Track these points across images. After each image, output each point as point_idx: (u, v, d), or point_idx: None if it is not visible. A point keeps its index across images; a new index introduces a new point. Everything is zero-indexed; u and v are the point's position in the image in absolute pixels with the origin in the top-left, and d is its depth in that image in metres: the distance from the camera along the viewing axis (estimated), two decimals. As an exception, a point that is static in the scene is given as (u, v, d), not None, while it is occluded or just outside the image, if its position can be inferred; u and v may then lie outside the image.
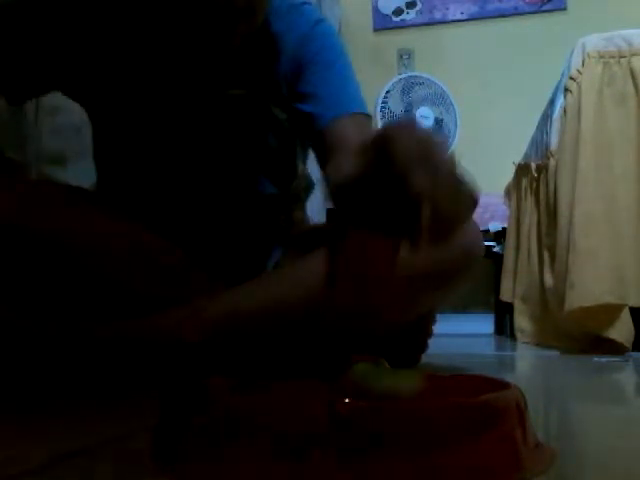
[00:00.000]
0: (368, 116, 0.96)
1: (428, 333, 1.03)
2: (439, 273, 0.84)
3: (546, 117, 1.94)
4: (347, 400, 0.34)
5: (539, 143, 2.03)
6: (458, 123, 2.86)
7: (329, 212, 0.53)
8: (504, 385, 0.41)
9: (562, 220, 1.56)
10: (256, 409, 0.35)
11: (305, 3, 0.98)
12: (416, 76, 2.90)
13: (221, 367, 0.79)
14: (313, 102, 0.93)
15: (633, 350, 1.41)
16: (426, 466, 0.31)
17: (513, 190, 2.30)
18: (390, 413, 0.33)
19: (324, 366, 0.68)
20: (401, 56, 3.15)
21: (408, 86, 2.85)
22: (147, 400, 0.70)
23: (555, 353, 1.50)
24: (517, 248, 2.13)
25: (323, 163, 0.93)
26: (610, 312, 1.41)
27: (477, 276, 0.94)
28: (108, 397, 0.72)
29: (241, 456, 0.33)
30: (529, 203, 2.05)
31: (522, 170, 2.20)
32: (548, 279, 1.75)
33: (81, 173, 1.90)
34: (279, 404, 0.35)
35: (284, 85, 0.95)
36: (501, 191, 2.58)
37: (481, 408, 0.35)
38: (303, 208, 1.15)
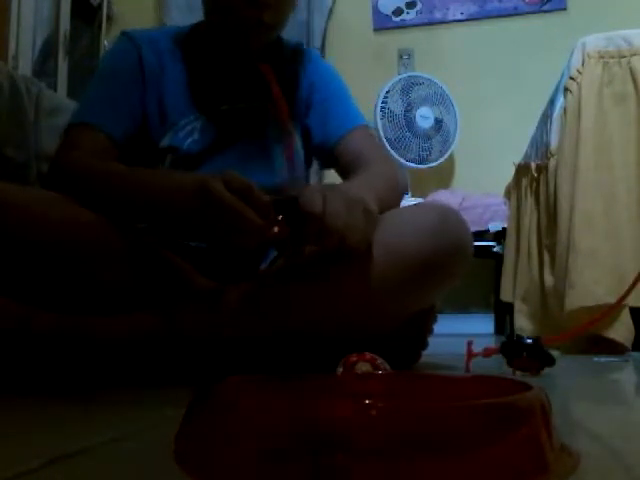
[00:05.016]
0: (368, 126, 1.13)
1: (428, 330, 1.04)
2: (430, 265, 0.86)
3: (546, 117, 1.94)
4: (369, 401, 0.34)
5: (539, 143, 2.03)
6: (458, 123, 2.86)
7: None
8: (526, 386, 0.40)
9: (562, 220, 1.56)
10: (274, 408, 0.35)
11: None
12: (416, 76, 2.90)
13: (231, 363, 0.80)
14: (333, 114, 1.09)
15: (633, 350, 1.41)
16: (450, 467, 0.31)
17: (513, 190, 2.30)
18: (413, 414, 0.33)
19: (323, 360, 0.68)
20: (401, 56, 3.15)
21: (408, 86, 2.85)
22: (148, 400, 0.70)
23: (555, 353, 1.49)
24: (517, 248, 2.13)
25: (342, 166, 1.07)
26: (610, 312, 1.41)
27: (473, 274, 0.95)
28: (109, 396, 0.72)
29: (262, 455, 0.32)
30: (529, 203, 2.05)
31: (522, 170, 2.20)
32: (548, 279, 1.75)
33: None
34: (299, 403, 0.35)
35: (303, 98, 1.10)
36: (501, 191, 2.58)
37: (506, 409, 0.34)
38: None
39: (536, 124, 2.14)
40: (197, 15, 1.07)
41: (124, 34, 1.05)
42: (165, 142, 0.99)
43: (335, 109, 1.09)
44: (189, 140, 1.00)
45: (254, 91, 1.07)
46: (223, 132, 1.03)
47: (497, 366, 1.00)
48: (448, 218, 0.90)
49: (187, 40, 1.07)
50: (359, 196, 0.78)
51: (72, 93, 2.82)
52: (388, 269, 0.85)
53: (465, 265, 0.92)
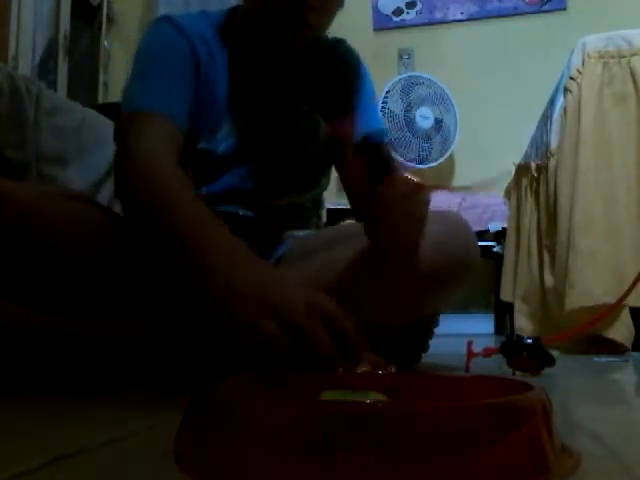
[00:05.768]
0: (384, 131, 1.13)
1: (429, 333, 1.04)
2: (436, 277, 0.86)
3: (546, 117, 1.94)
4: (369, 401, 0.33)
5: (539, 143, 2.03)
6: (458, 123, 2.86)
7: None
8: (527, 387, 0.40)
9: (562, 220, 1.56)
10: (274, 408, 0.34)
11: None
12: (416, 76, 2.90)
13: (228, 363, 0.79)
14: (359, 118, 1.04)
15: (633, 350, 1.41)
16: (451, 467, 0.31)
17: (513, 190, 2.30)
18: (413, 414, 0.33)
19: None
20: (401, 56, 3.15)
21: (408, 86, 2.85)
22: (148, 400, 0.70)
23: (555, 353, 1.49)
24: (517, 248, 2.13)
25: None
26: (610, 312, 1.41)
27: (476, 277, 0.95)
28: (109, 396, 0.72)
29: (263, 455, 0.32)
30: (529, 203, 2.05)
31: (522, 170, 2.20)
32: (548, 279, 1.75)
33: (81, 173, 1.90)
34: (299, 403, 0.35)
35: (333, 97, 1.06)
36: (501, 191, 2.58)
37: (506, 409, 0.34)
38: (319, 214, 1.16)
39: (536, 124, 2.14)
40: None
41: (166, 19, 0.97)
42: (202, 144, 0.96)
43: (370, 107, 1.09)
44: (223, 145, 0.97)
45: (293, 93, 1.03)
46: (260, 136, 1.00)
47: (497, 366, 1.00)
48: (457, 230, 0.90)
49: (228, 37, 1.00)
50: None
51: (72, 93, 2.82)
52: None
53: (470, 273, 0.92)
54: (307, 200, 1.08)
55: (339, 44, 1.09)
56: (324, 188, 1.12)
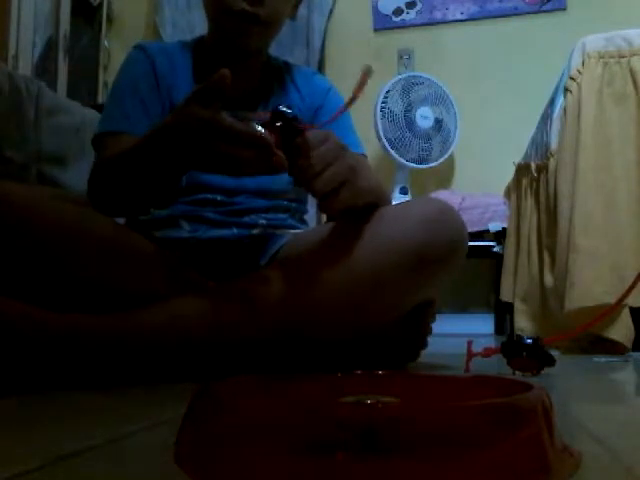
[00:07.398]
0: (365, 156, 1.14)
1: (427, 330, 1.04)
2: (423, 259, 0.87)
3: (546, 117, 1.94)
4: (370, 401, 0.33)
5: (539, 143, 2.03)
6: (458, 123, 2.86)
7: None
8: (527, 387, 0.40)
9: (562, 220, 1.56)
10: (274, 408, 0.34)
11: None
12: (416, 76, 2.90)
13: (236, 363, 0.80)
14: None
15: (633, 350, 1.41)
16: (450, 468, 0.31)
17: (513, 190, 2.30)
18: (413, 414, 0.33)
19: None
20: (401, 56, 3.15)
21: (408, 86, 2.85)
22: (148, 400, 0.70)
23: (555, 353, 1.49)
24: (517, 248, 2.13)
25: None
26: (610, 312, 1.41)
27: (473, 273, 0.96)
28: (109, 396, 0.72)
29: (263, 455, 0.32)
30: (529, 203, 2.05)
31: (522, 170, 2.20)
32: (548, 279, 1.75)
33: (81, 173, 1.90)
34: (299, 403, 0.35)
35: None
36: (501, 191, 2.58)
37: (507, 409, 0.34)
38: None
39: (536, 124, 2.14)
40: (194, 13, 1.09)
41: (137, 46, 1.11)
42: None
43: (345, 128, 1.10)
44: None
45: (255, 98, 1.10)
46: None
47: (497, 366, 1.00)
48: (444, 210, 0.91)
49: (194, 48, 1.13)
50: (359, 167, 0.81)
51: (72, 93, 2.82)
52: (383, 258, 0.85)
53: (460, 257, 0.93)
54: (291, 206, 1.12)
55: (294, 68, 1.18)
56: (299, 197, 1.16)
